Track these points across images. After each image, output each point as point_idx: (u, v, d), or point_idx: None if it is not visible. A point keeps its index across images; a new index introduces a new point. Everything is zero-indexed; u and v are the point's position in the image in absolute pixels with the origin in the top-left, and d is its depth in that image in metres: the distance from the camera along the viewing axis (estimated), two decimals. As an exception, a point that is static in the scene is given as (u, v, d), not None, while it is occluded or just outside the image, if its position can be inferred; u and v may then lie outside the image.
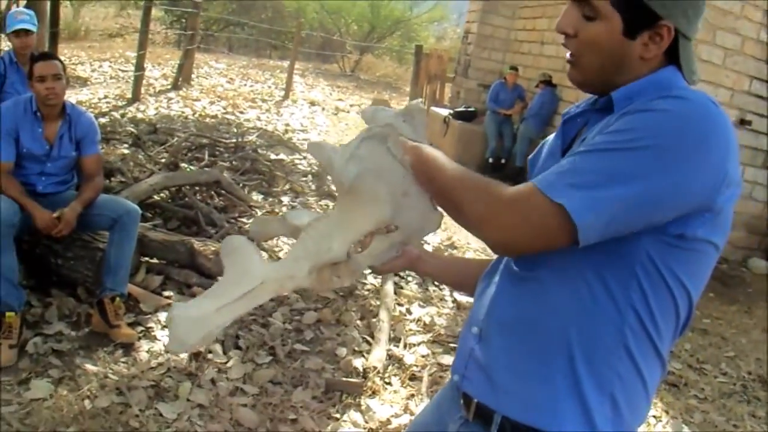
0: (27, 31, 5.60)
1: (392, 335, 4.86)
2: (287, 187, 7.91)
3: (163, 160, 7.48)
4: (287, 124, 12.40)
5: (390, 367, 4.44)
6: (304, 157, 9.72)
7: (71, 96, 9.07)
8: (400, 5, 32.32)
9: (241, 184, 7.31)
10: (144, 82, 12.91)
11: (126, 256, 4.36)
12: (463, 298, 5.61)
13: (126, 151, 7.83)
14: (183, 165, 7.50)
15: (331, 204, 7.37)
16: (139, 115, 10.71)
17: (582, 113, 1.63)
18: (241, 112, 12.79)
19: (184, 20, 21.55)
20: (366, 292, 5.55)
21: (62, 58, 4.86)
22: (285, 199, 7.43)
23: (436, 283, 5.96)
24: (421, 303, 5.53)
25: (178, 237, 5.30)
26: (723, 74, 8.66)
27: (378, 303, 5.27)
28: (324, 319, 4.93)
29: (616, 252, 1.41)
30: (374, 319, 5.00)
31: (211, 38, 28.07)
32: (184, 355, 4.20)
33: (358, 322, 5.02)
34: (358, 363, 4.39)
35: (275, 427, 3.70)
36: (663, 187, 1.32)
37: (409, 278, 6.00)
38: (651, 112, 1.36)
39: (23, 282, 4.36)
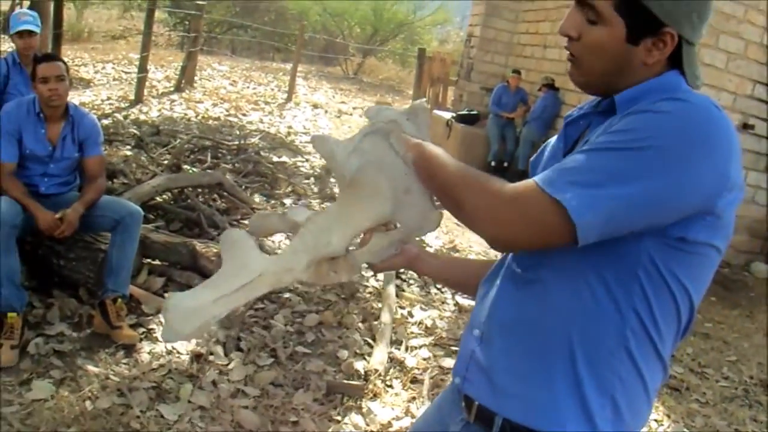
0: (30, 33, 5.61)
1: (394, 338, 4.85)
2: (289, 189, 7.91)
3: (165, 162, 7.49)
4: (290, 127, 12.40)
5: (391, 370, 4.44)
6: (307, 160, 9.73)
7: (74, 97, 9.08)
8: (404, 8, 32.31)
9: (243, 187, 7.31)
10: (147, 84, 12.91)
11: (128, 257, 4.36)
12: (465, 301, 5.61)
13: (129, 153, 7.83)
14: (185, 167, 7.51)
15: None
16: (142, 117, 10.71)
17: (584, 116, 1.63)
18: (244, 115, 12.79)
19: (187, 22, 21.57)
20: (367, 295, 5.55)
21: (65, 59, 4.87)
22: (287, 202, 7.43)
23: (437, 285, 5.96)
24: (423, 306, 5.53)
25: (180, 239, 5.30)
26: (726, 78, 8.66)
27: (379, 305, 5.27)
28: (325, 322, 4.93)
29: (618, 254, 1.41)
30: (376, 322, 5.00)
31: (214, 40, 28.12)
32: (186, 357, 4.20)
33: (360, 324, 5.01)
34: (360, 365, 4.39)
35: (276, 429, 3.70)
36: (663, 188, 1.32)
37: (411, 281, 6.00)
38: (653, 113, 1.36)
39: (25, 283, 4.37)
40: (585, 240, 1.34)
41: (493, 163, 11.59)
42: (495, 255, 1.78)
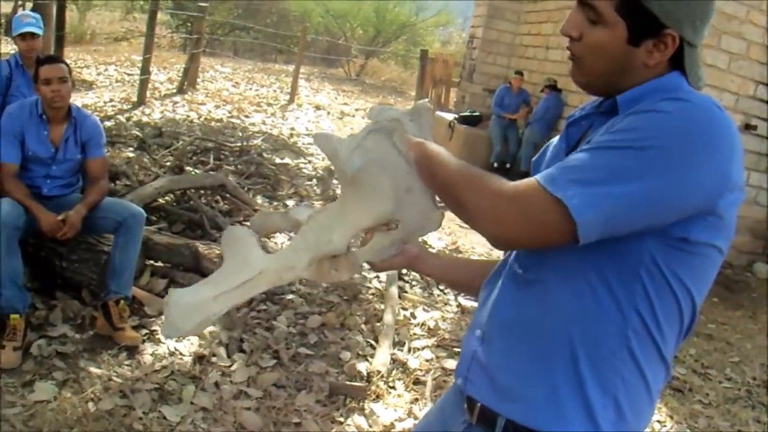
0: (33, 35, 5.61)
1: (396, 339, 4.85)
2: (292, 191, 7.91)
3: (168, 164, 7.50)
4: (292, 128, 12.40)
5: (394, 372, 4.44)
6: (309, 162, 9.73)
7: (77, 99, 9.09)
8: (406, 10, 32.33)
9: (245, 188, 7.32)
10: (149, 85, 12.92)
11: (131, 259, 4.37)
12: (468, 303, 5.61)
13: (131, 155, 7.84)
14: (188, 168, 7.52)
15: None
16: (145, 119, 10.72)
17: (586, 116, 1.62)
18: (246, 116, 12.79)
19: (189, 24, 21.63)
20: (370, 296, 5.54)
21: (68, 61, 4.88)
22: (290, 203, 7.43)
23: (440, 287, 5.96)
24: (426, 307, 5.53)
25: (182, 240, 5.31)
26: (728, 79, 8.66)
27: (382, 307, 5.27)
28: (328, 323, 4.93)
29: (620, 254, 1.41)
30: (378, 323, 4.99)
31: (216, 42, 28.15)
32: (188, 358, 4.20)
33: (363, 326, 5.01)
34: (362, 367, 4.38)
35: (278, 430, 3.70)
36: (664, 188, 1.31)
37: (414, 282, 6.00)
38: (655, 112, 1.36)
39: (28, 284, 4.37)
40: (586, 238, 1.34)
41: (495, 165, 11.58)
42: (498, 255, 1.78)
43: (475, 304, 1.78)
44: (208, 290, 1.64)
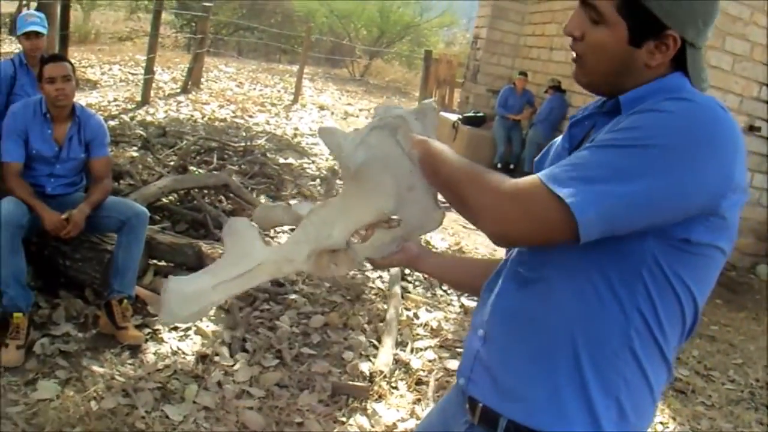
0: (37, 34, 5.61)
1: (399, 339, 4.85)
2: (295, 191, 7.92)
3: (171, 163, 7.51)
4: (296, 128, 12.40)
5: (396, 372, 4.44)
6: (313, 162, 9.73)
7: (81, 99, 9.09)
8: (410, 10, 32.31)
9: (249, 188, 7.32)
10: (153, 85, 12.92)
11: (134, 258, 4.37)
12: (471, 303, 5.61)
13: (135, 154, 7.85)
14: (192, 168, 7.52)
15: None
16: (149, 118, 10.73)
17: (589, 116, 1.62)
18: (250, 116, 12.79)
19: (193, 24, 21.61)
20: (373, 296, 5.55)
21: (72, 60, 4.88)
22: (293, 203, 7.42)
23: (443, 287, 5.96)
24: (429, 307, 5.53)
25: (186, 240, 5.31)
26: (732, 80, 8.65)
27: (385, 307, 5.27)
28: (331, 323, 4.94)
29: (622, 253, 1.41)
30: (381, 323, 4.99)
31: (220, 42, 28.19)
32: (191, 358, 4.21)
33: (366, 326, 5.01)
34: (365, 367, 4.39)
35: (281, 430, 3.70)
36: (666, 187, 1.31)
37: (417, 282, 6.00)
38: (658, 112, 1.35)
39: (31, 283, 4.37)
40: (587, 237, 1.33)
41: (499, 165, 11.58)
42: (501, 256, 1.78)
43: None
44: (208, 279, 1.65)
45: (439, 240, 7.30)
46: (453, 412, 1.76)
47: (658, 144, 1.32)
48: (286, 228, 5.70)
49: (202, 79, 15.37)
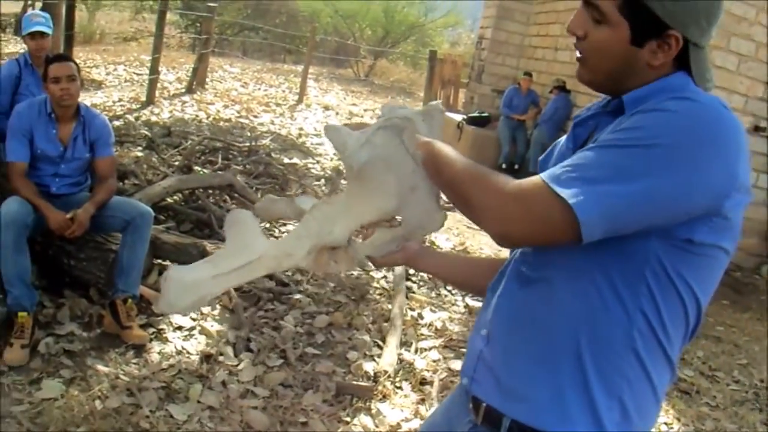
0: (42, 34, 5.62)
1: (403, 339, 4.85)
2: (300, 191, 7.91)
3: (176, 163, 7.51)
4: (301, 129, 12.41)
5: (401, 372, 4.44)
6: (318, 162, 9.74)
7: (86, 99, 9.10)
8: (415, 10, 32.29)
9: (254, 188, 7.33)
10: (158, 85, 12.94)
11: (138, 257, 4.38)
12: (476, 303, 5.60)
13: (140, 154, 7.86)
14: (196, 168, 7.53)
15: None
16: (153, 118, 10.74)
17: (593, 116, 1.62)
18: (255, 116, 12.80)
19: (198, 24, 21.61)
20: (378, 296, 5.55)
21: (77, 60, 4.88)
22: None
23: (448, 287, 5.96)
24: (433, 308, 5.52)
25: (190, 240, 5.32)
26: (737, 80, 8.63)
27: (389, 307, 5.27)
28: (335, 323, 4.94)
29: (625, 254, 1.41)
30: (386, 324, 4.99)
31: (225, 42, 28.19)
32: (195, 357, 4.21)
33: (370, 326, 5.01)
34: (369, 367, 4.39)
35: (285, 429, 3.70)
36: (670, 187, 1.31)
37: (421, 282, 6.00)
38: (661, 111, 1.35)
39: (36, 282, 4.38)
40: (589, 237, 1.33)
41: (503, 166, 11.57)
42: (505, 256, 1.78)
43: (482, 304, 1.78)
44: (208, 269, 1.65)
45: (443, 240, 7.30)
46: (457, 412, 1.76)
47: (661, 144, 1.31)
48: (290, 227, 5.69)
49: (207, 80, 15.39)
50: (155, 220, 4.76)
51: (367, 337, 4.81)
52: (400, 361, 4.55)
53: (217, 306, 4.81)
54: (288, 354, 4.41)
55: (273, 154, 9.15)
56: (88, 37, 22.69)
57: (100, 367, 3.95)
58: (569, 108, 11.11)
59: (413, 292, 5.73)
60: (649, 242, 1.39)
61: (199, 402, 3.78)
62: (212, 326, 4.56)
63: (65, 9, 9.66)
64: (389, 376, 4.27)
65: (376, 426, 3.86)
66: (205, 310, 4.72)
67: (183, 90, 14.17)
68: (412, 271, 6.02)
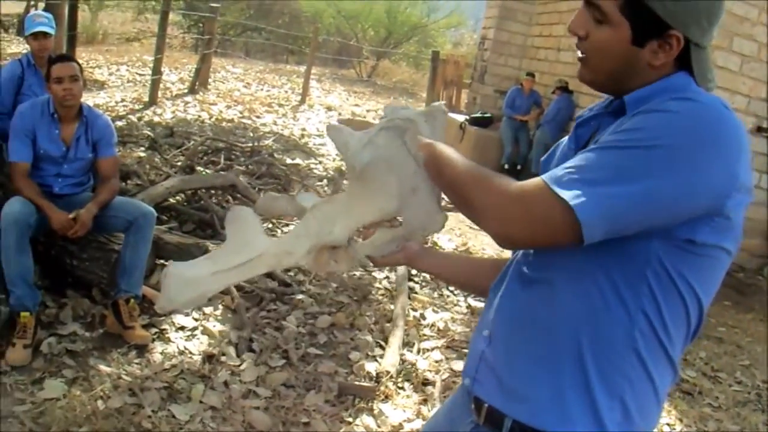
0: (45, 34, 5.62)
1: (406, 340, 4.85)
2: (303, 191, 7.91)
3: (179, 164, 7.52)
4: (303, 129, 12.42)
5: (403, 372, 4.44)
6: (320, 162, 9.74)
7: (88, 99, 9.11)
8: (417, 11, 32.29)
9: (256, 188, 7.33)
10: (161, 85, 12.94)
11: (141, 258, 4.38)
12: (478, 304, 5.60)
13: (142, 154, 7.87)
14: (199, 168, 7.54)
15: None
16: (156, 119, 10.75)
17: (595, 116, 1.62)
18: (258, 117, 12.81)
19: (201, 25, 21.64)
20: (380, 297, 5.55)
21: (80, 61, 4.88)
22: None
23: (450, 288, 5.96)
24: (435, 308, 5.53)
25: (193, 240, 5.32)
26: (740, 81, 8.62)
27: (392, 307, 5.27)
28: (338, 323, 4.94)
29: (627, 254, 1.41)
30: (388, 324, 4.99)
31: (228, 43, 28.22)
32: (198, 357, 4.21)
33: (372, 326, 5.01)
34: (371, 367, 4.39)
35: (287, 430, 3.70)
36: (671, 187, 1.31)
37: (424, 283, 6.00)
38: (662, 112, 1.35)
39: (38, 282, 4.39)
40: (590, 238, 1.33)
41: (506, 166, 11.56)
42: (508, 255, 1.78)
43: (484, 304, 1.78)
44: (208, 266, 1.65)
45: (446, 241, 7.30)
46: (459, 413, 1.76)
47: (662, 144, 1.31)
48: (291, 226, 5.70)
49: (210, 80, 15.39)
50: (158, 220, 4.77)
51: (369, 338, 4.81)
52: (403, 361, 4.55)
53: (220, 306, 4.81)
54: (290, 354, 4.41)
55: (276, 155, 9.16)
56: (90, 37, 22.68)
57: (103, 367, 3.95)
58: (572, 108, 11.09)
59: (416, 293, 5.73)
60: (651, 243, 1.39)
61: (201, 402, 3.79)
62: (214, 326, 4.56)
63: (68, 9, 9.66)
64: (391, 377, 4.27)
65: (378, 426, 3.86)
66: (208, 310, 4.73)
67: (186, 90, 14.18)
68: (414, 272, 6.02)
